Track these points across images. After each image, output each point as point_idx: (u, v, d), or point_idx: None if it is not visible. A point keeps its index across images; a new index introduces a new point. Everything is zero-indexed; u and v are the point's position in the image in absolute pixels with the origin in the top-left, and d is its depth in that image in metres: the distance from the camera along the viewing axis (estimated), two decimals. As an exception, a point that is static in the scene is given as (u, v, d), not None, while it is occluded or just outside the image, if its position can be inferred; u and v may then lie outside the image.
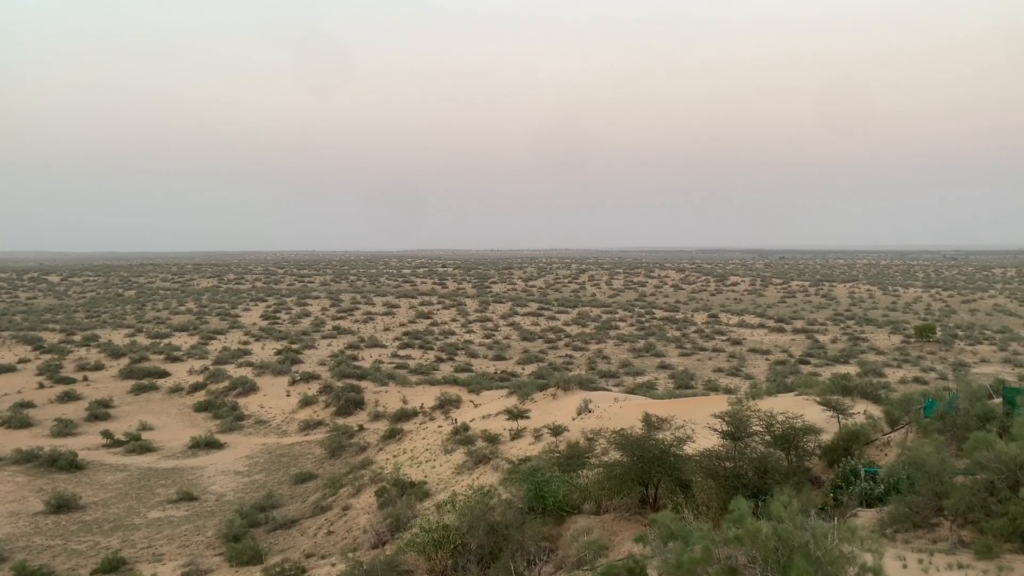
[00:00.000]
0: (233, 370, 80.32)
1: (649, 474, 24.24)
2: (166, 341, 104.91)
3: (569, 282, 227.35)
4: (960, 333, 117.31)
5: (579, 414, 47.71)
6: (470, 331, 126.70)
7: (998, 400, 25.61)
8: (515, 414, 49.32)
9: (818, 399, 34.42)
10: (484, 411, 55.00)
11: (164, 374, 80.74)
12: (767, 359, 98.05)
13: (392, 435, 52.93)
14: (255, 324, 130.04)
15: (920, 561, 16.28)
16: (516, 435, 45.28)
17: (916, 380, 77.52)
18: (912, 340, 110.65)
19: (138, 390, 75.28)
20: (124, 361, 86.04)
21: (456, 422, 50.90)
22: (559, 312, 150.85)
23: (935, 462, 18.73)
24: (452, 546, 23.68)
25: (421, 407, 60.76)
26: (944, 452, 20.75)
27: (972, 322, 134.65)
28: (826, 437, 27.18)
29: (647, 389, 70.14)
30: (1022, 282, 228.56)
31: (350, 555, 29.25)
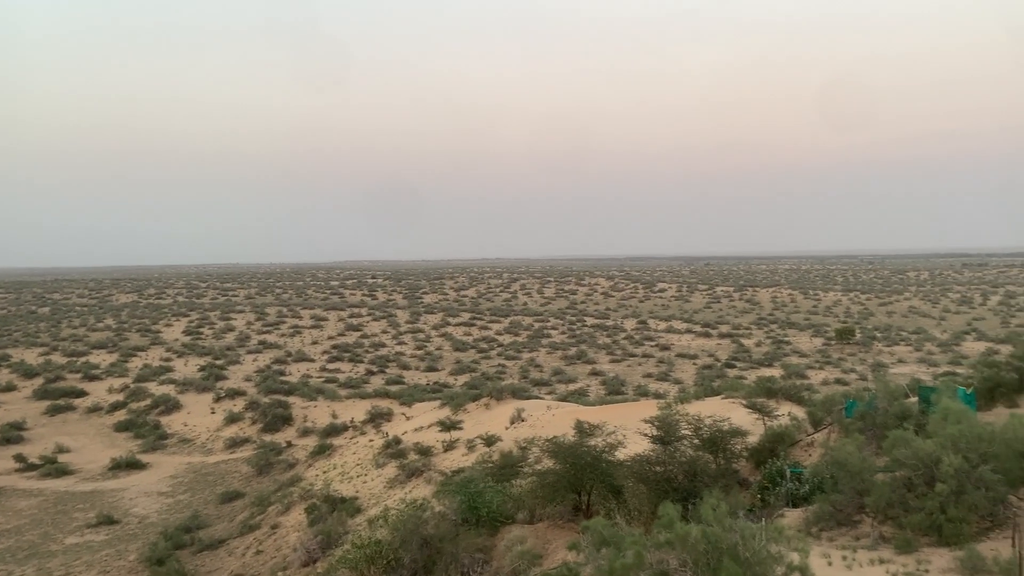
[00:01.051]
0: (155, 388, 77.80)
1: (582, 481, 24.37)
2: (83, 359, 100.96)
3: (501, 291, 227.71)
4: (878, 335, 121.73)
5: (512, 423, 47.72)
6: (401, 343, 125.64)
7: (914, 399, 26.57)
8: (448, 425, 49.04)
9: (744, 402, 35.20)
10: (416, 423, 54.54)
11: (81, 393, 77.63)
12: (694, 363, 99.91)
13: (322, 451, 52.03)
14: (177, 340, 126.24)
15: (844, 558, 16.75)
16: (449, 447, 45.00)
17: (837, 381, 80.00)
18: (833, 342, 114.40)
19: (53, 411, 72.20)
20: (38, 381, 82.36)
21: (388, 435, 50.32)
22: (491, 321, 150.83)
23: (856, 461, 19.31)
24: (385, 561, 23.39)
25: (351, 421, 59.83)
26: (865, 451, 21.42)
27: (889, 324, 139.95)
28: (753, 439, 27.78)
29: (579, 396, 70.67)
30: (935, 284, 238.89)
31: (280, 574, 28.66)
